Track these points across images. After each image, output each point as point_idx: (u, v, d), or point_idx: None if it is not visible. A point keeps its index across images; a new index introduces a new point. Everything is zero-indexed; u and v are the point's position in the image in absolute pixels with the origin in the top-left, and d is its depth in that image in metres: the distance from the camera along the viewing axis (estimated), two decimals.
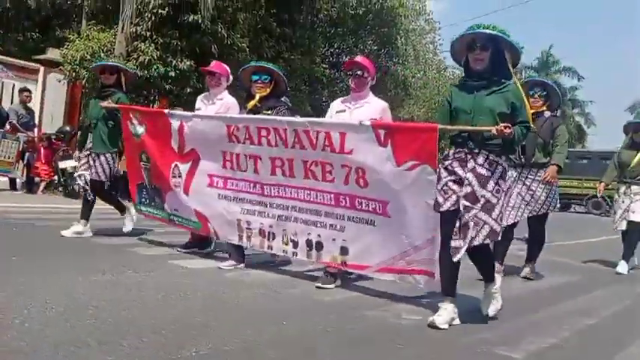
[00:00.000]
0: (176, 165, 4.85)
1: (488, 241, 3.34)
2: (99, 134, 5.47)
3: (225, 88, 5.24)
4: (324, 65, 17.76)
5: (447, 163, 3.46)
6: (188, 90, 11.80)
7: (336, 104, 4.53)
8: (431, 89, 22.21)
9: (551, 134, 5.26)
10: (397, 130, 3.76)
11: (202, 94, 5.42)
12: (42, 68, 13.16)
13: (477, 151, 3.38)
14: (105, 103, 5.35)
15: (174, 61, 11.75)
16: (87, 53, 11.68)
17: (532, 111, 4.97)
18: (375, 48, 19.65)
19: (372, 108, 4.33)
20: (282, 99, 4.86)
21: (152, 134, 5.00)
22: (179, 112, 5.23)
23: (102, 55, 11.53)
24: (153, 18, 11.75)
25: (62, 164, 9.63)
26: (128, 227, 5.68)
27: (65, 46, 12.24)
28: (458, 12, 79.94)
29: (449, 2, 65.37)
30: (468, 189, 3.33)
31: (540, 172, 5.22)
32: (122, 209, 5.70)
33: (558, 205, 5.46)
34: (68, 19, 15.96)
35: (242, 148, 4.40)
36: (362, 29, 19.14)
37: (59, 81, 12.91)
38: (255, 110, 4.65)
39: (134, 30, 11.83)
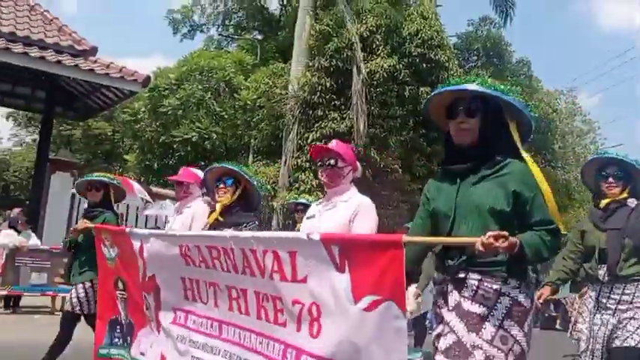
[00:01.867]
0: (145, 296, 3.71)
1: None
2: (77, 262, 4.55)
3: (200, 195, 4.45)
4: None
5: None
6: None
7: (312, 207, 3.48)
8: None
9: None
10: (353, 245, 2.36)
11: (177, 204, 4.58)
12: None
13: (461, 275, 2.18)
14: (80, 225, 4.37)
15: None
16: None
17: (608, 200, 3.61)
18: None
19: (347, 209, 3.09)
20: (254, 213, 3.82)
21: (123, 258, 3.94)
22: (140, 230, 4.12)
23: (268, 186, 12.58)
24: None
25: None
26: None
27: None
28: (613, 107, 75.18)
29: (602, 98, 61.94)
30: (450, 339, 2.16)
31: (630, 287, 3.46)
32: None
33: None
34: (237, 155, 17.94)
35: (200, 274, 3.17)
36: None
37: None
38: (215, 226, 3.54)
39: (295, 162, 12.88)
